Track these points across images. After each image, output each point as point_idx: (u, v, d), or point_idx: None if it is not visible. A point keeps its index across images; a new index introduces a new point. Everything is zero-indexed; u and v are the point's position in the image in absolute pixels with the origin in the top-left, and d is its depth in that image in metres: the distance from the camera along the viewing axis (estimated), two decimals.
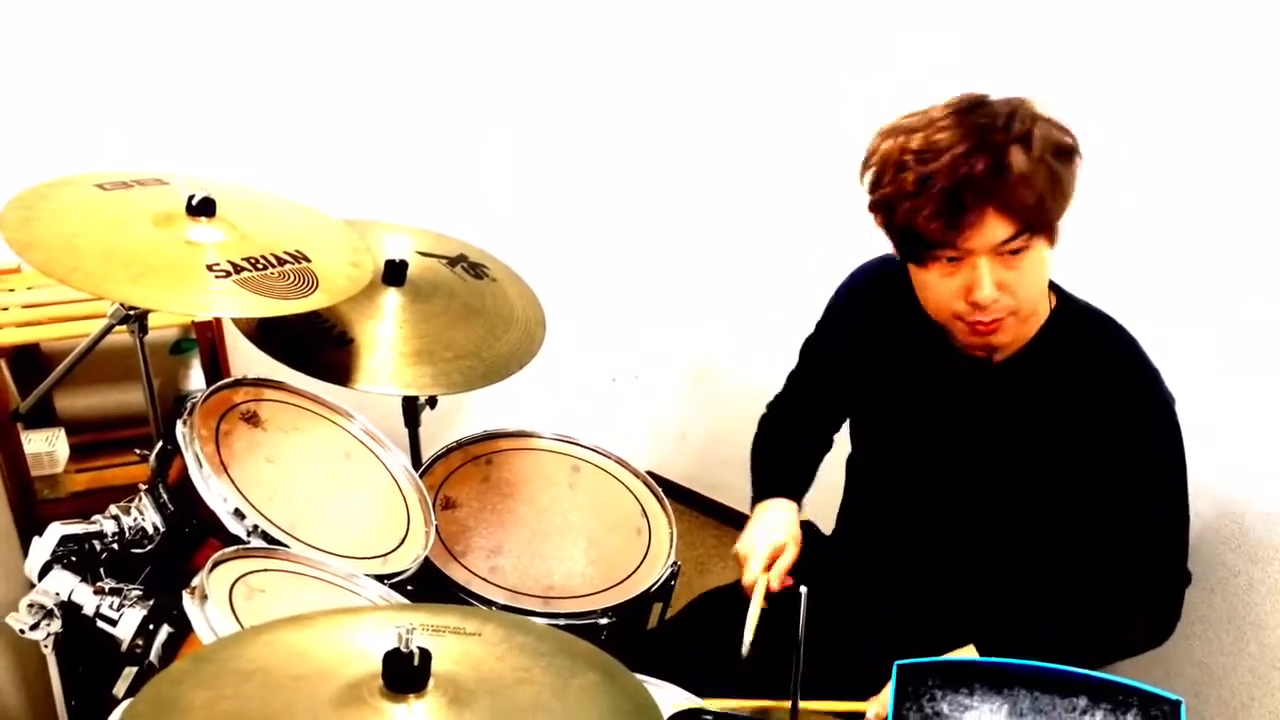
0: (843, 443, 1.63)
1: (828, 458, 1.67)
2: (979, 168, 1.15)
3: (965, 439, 1.39)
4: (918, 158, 1.18)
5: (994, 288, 1.21)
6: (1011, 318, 1.26)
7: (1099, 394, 1.29)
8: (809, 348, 1.62)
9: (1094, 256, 1.63)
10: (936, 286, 1.26)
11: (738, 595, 1.45)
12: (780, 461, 1.63)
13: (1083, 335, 1.32)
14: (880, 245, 1.41)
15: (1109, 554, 1.32)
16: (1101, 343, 1.32)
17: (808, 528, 1.60)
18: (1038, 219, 1.19)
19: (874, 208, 1.27)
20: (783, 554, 1.44)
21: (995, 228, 1.18)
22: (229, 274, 1.38)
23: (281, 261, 1.45)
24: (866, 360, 1.48)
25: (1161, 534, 1.33)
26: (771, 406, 1.71)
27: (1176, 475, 1.31)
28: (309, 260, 1.48)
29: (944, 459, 1.41)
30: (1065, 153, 1.20)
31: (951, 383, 1.38)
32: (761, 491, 1.58)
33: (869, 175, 1.27)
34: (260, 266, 1.42)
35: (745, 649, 1.34)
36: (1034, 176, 1.16)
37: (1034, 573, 1.39)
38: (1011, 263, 1.21)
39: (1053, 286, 1.34)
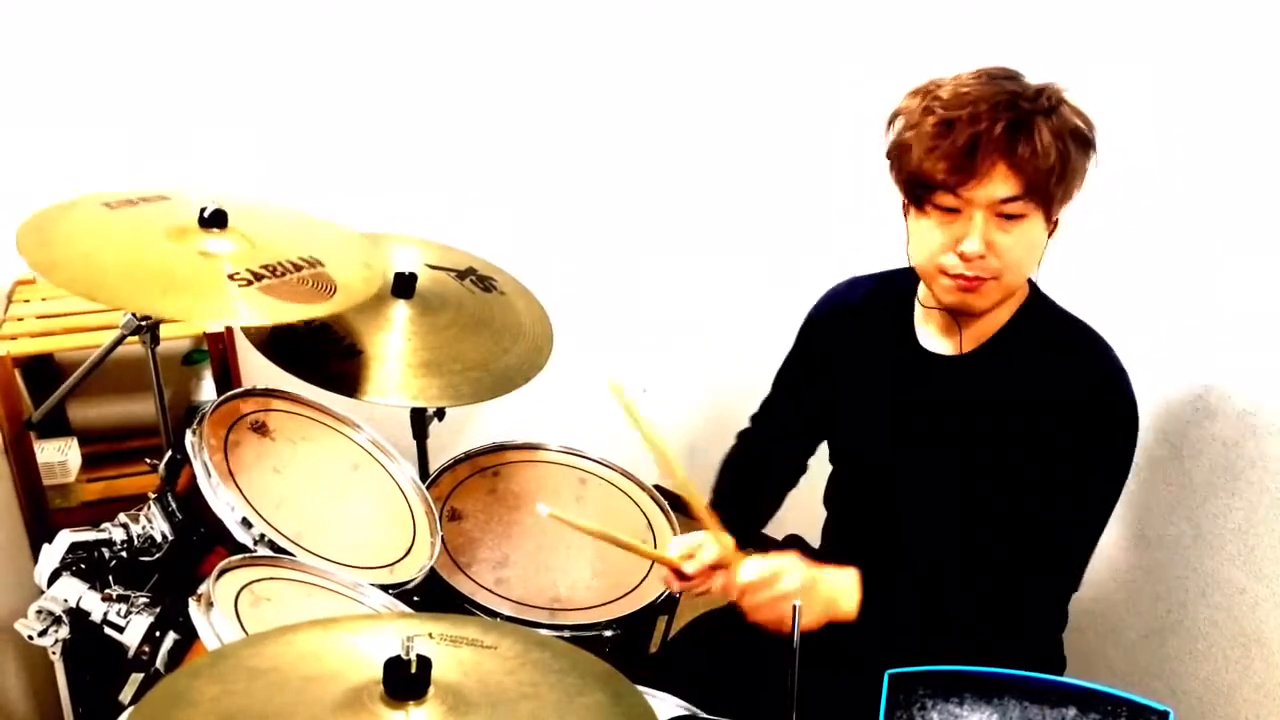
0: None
1: (812, 470, 1.68)
2: (1000, 124, 1.20)
3: (933, 434, 1.39)
4: (944, 105, 1.23)
5: (983, 244, 1.24)
6: (993, 281, 1.27)
7: (1058, 387, 1.30)
8: (782, 373, 1.63)
9: (1089, 270, 1.63)
10: (928, 236, 1.29)
11: (735, 616, 1.45)
12: (739, 503, 1.61)
13: (1049, 331, 1.34)
14: (894, 261, 1.44)
15: (1012, 533, 1.31)
16: (1067, 339, 1.34)
17: (795, 541, 1.61)
18: (1042, 189, 1.22)
19: (890, 153, 1.30)
20: (700, 550, 1.42)
21: (1000, 184, 1.21)
22: (250, 282, 1.39)
23: (298, 267, 1.46)
24: (838, 376, 1.50)
25: (1069, 531, 1.31)
26: (754, 420, 1.69)
27: (1108, 481, 1.31)
28: (323, 264, 1.49)
29: (913, 457, 1.41)
30: (1082, 141, 1.24)
31: (918, 377, 1.40)
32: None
33: (892, 126, 1.30)
34: (279, 273, 1.43)
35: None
36: (1049, 150, 1.20)
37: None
38: (1006, 226, 1.24)
39: (1031, 285, 1.36)
